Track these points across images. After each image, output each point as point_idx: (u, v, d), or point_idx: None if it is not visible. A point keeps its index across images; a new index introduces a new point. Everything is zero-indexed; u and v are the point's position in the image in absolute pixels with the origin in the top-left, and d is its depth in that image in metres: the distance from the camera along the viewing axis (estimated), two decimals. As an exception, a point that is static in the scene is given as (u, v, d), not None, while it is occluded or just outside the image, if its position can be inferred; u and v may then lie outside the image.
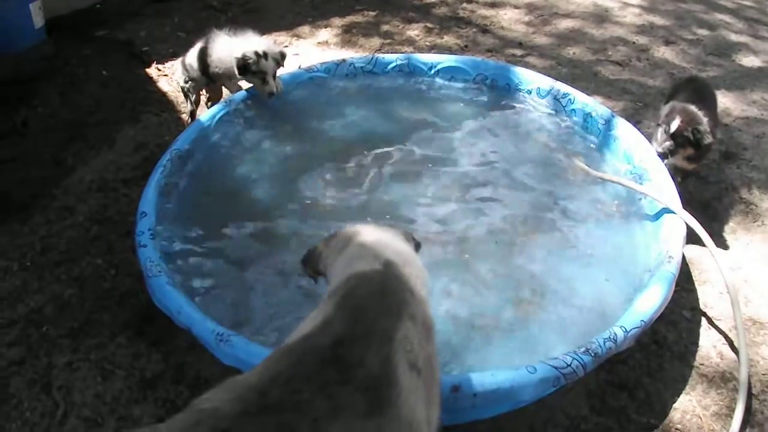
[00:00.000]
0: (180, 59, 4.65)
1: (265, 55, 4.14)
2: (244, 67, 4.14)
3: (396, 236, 2.30)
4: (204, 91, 4.81)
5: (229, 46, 4.26)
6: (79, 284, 3.45)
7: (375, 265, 2.01)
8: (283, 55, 4.32)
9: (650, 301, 2.79)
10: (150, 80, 5.36)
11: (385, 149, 4.24)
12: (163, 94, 5.15)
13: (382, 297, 1.88)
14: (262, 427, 1.46)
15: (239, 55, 4.11)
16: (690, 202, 4.03)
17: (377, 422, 1.58)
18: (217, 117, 4.16)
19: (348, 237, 2.26)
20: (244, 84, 4.44)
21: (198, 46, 4.46)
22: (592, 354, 2.52)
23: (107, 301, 3.36)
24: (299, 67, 4.93)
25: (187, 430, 1.45)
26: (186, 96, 4.70)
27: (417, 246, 2.43)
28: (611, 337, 2.59)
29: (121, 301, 3.35)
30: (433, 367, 1.88)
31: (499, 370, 2.45)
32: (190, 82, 4.58)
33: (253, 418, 1.47)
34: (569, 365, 2.46)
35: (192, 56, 4.46)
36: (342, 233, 2.33)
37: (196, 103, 4.72)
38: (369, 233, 2.25)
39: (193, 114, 4.72)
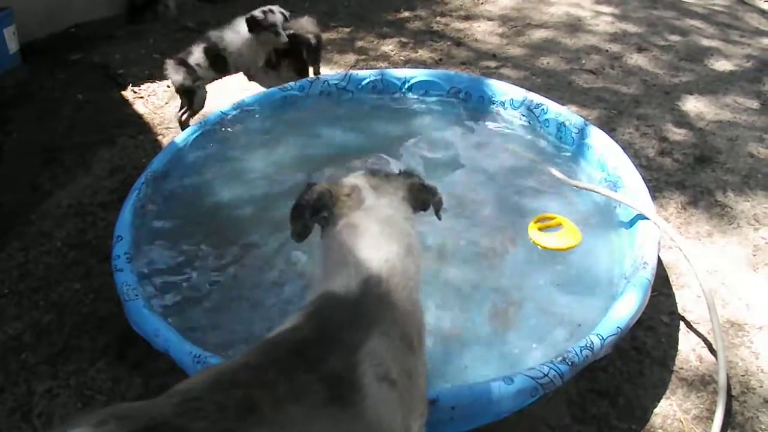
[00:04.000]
0: (173, 66, 4.74)
1: (271, 10, 4.60)
2: (256, 24, 4.59)
3: (392, 203, 2.20)
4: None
5: (239, 32, 4.69)
6: (58, 310, 3.43)
7: (351, 284, 1.93)
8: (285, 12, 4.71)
9: (626, 308, 2.79)
10: (126, 103, 5.36)
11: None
12: (139, 117, 5.14)
13: (351, 309, 1.87)
14: (229, 397, 1.51)
15: (248, 16, 4.58)
16: (666, 207, 4.08)
17: (338, 413, 1.62)
18: (192, 137, 4.16)
19: (352, 209, 2.15)
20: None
21: (199, 46, 4.74)
22: (569, 363, 2.52)
23: (86, 326, 3.34)
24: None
25: (161, 401, 1.51)
26: (189, 98, 4.82)
27: (426, 199, 2.34)
28: (588, 345, 2.60)
29: (100, 325, 3.33)
30: (413, 379, 1.88)
31: (476, 383, 2.45)
32: (198, 81, 4.76)
33: (222, 391, 1.54)
34: (546, 375, 2.46)
35: (197, 56, 4.71)
36: (354, 192, 2.20)
37: (200, 106, 4.87)
38: (373, 214, 2.14)
39: (187, 119, 4.85)
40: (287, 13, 4.73)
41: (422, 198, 2.33)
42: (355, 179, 2.28)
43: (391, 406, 1.74)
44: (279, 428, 1.53)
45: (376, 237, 2.07)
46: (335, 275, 1.99)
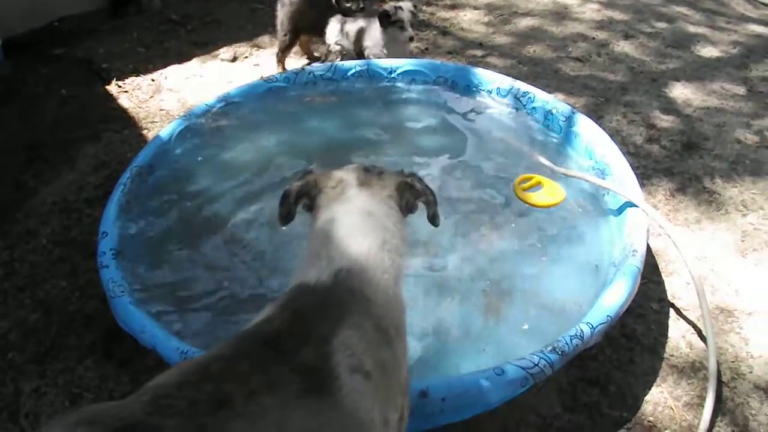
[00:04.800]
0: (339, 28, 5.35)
1: (401, 7, 4.96)
2: (386, 18, 4.99)
3: (378, 199, 2.18)
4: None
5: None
6: (44, 308, 3.40)
7: (322, 276, 1.94)
8: (416, 7, 5.18)
9: (616, 296, 2.79)
10: (110, 97, 5.30)
11: (348, 155, 4.22)
12: (124, 111, 5.09)
13: (323, 303, 1.87)
14: (199, 392, 1.50)
15: (380, 11, 5.04)
16: (654, 194, 4.08)
17: (313, 404, 1.60)
18: (177, 131, 4.12)
19: (333, 199, 2.16)
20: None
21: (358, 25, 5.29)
22: (559, 352, 2.52)
23: (73, 324, 3.30)
24: (261, 78, 4.90)
25: (133, 400, 1.48)
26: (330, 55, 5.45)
27: (413, 199, 2.29)
28: (578, 334, 2.60)
29: (87, 323, 3.30)
30: (389, 371, 1.86)
31: (466, 374, 2.45)
32: (339, 46, 5.37)
33: (192, 385, 1.52)
34: (537, 365, 2.46)
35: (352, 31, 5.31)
36: (335, 185, 2.21)
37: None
38: (351, 207, 2.13)
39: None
40: (415, 10, 5.10)
41: (409, 198, 2.27)
42: (345, 173, 2.26)
43: (366, 397, 1.72)
44: (253, 420, 1.51)
45: (350, 230, 2.06)
46: (309, 267, 2.00)
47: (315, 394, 1.62)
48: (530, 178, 3.99)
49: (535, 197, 3.88)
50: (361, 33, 5.24)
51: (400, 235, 2.14)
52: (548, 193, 3.91)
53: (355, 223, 2.09)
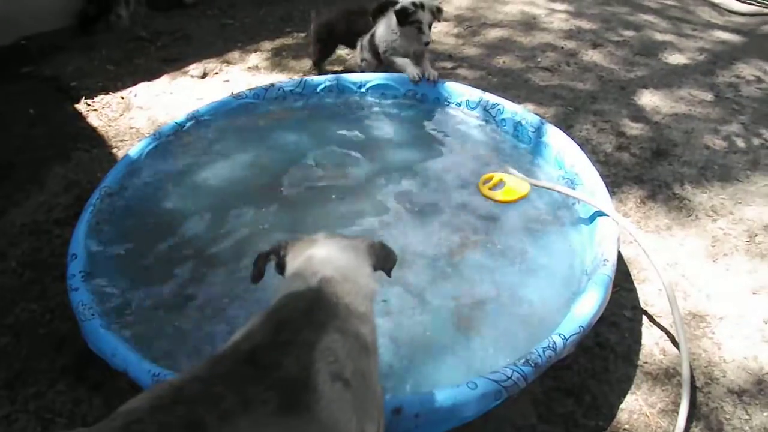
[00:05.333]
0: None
1: (422, 5, 4.65)
2: (404, 16, 4.70)
3: (348, 249, 2.27)
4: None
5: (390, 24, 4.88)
6: (14, 332, 3.34)
7: (310, 282, 2.04)
8: (439, 10, 4.79)
9: (587, 306, 2.81)
10: (79, 116, 5.25)
11: (319, 171, 4.24)
12: (94, 130, 5.04)
13: (308, 311, 1.91)
14: (172, 416, 1.51)
15: (398, 7, 4.70)
16: (625, 202, 4.11)
17: (289, 422, 1.62)
18: (146, 150, 4.11)
19: (306, 246, 2.27)
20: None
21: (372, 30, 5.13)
22: (532, 364, 2.53)
23: (44, 347, 3.25)
24: (232, 94, 4.88)
25: (104, 426, 1.49)
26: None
27: (385, 258, 2.37)
28: (550, 345, 2.61)
29: (58, 346, 3.25)
30: (367, 381, 1.90)
31: (439, 389, 2.45)
32: (364, 62, 5.25)
33: (164, 410, 1.52)
34: (510, 377, 2.46)
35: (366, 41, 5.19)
36: (305, 241, 2.32)
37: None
38: (321, 246, 2.25)
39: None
40: (440, 10, 4.83)
41: (382, 255, 2.35)
42: (314, 235, 2.36)
43: (345, 407, 1.75)
44: None
45: (329, 253, 2.20)
46: (294, 282, 2.08)
47: (292, 412, 1.62)
48: (491, 177, 4.11)
49: (500, 194, 4.00)
50: (372, 36, 5.13)
51: (369, 285, 2.21)
52: (511, 188, 4.03)
53: (331, 250, 2.22)
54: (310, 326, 1.85)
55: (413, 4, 4.66)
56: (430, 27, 4.77)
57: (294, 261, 2.22)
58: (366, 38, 5.21)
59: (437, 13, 4.76)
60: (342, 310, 1.96)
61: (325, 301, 1.97)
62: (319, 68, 5.75)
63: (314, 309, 1.93)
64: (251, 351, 1.75)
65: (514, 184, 4.05)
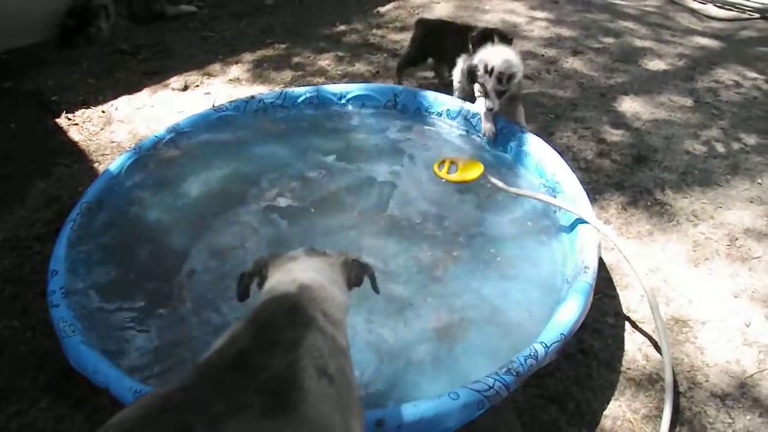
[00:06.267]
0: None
1: (491, 71, 4.24)
2: (471, 74, 4.45)
3: (324, 263, 2.34)
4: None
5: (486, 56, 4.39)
6: (-5, 349, 3.33)
7: (290, 287, 2.11)
8: (510, 78, 4.26)
9: (569, 314, 2.82)
10: (60, 130, 5.23)
11: (300, 182, 4.24)
12: (75, 144, 5.02)
13: (290, 312, 1.98)
14: (162, 425, 1.54)
15: (471, 62, 4.43)
16: (606, 208, 4.13)
17: (277, 423, 1.65)
18: (127, 165, 4.10)
19: (285, 261, 2.33)
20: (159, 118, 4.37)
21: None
22: (514, 373, 2.53)
23: (26, 364, 3.22)
24: (212, 106, 4.88)
25: None
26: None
27: (361, 273, 2.45)
28: (532, 354, 2.61)
29: (40, 363, 3.22)
30: (348, 379, 1.97)
31: (421, 400, 2.45)
32: (459, 84, 4.90)
33: (154, 419, 1.56)
34: (492, 387, 2.47)
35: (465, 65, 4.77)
36: (286, 256, 2.38)
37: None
38: (300, 260, 2.32)
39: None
40: (510, 77, 4.27)
41: (357, 272, 2.44)
42: (294, 252, 2.42)
43: (330, 402, 1.80)
44: None
45: (305, 265, 2.29)
46: (275, 289, 2.16)
47: (278, 413, 1.66)
48: (444, 161, 4.35)
49: (455, 176, 4.21)
50: (471, 63, 4.58)
51: (342, 297, 2.28)
52: (465, 170, 4.24)
53: (307, 264, 2.31)
54: (293, 326, 1.91)
55: (485, 66, 4.29)
56: (498, 95, 4.30)
57: (275, 274, 2.27)
58: (465, 62, 4.76)
59: (506, 82, 4.26)
60: (320, 314, 2.02)
61: (305, 303, 2.03)
62: (399, 74, 5.65)
63: (296, 310, 1.99)
64: (236, 355, 1.79)
65: (467, 166, 4.27)
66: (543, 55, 6.39)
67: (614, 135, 5.00)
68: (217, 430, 1.56)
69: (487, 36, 4.66)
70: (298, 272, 2.22)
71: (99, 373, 2.67)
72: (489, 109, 4.36)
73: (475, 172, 4.23)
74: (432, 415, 2.39)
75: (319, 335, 1.92)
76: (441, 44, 5.26)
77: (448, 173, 4.26)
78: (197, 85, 5.87)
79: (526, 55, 6.36)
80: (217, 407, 1.59)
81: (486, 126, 4.44)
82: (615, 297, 3.54)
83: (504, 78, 4.24)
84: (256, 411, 1.63)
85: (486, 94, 4.34)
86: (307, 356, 1.81)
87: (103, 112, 5.46)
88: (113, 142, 5.03)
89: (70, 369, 2.90)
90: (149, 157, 4.26)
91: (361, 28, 7.12)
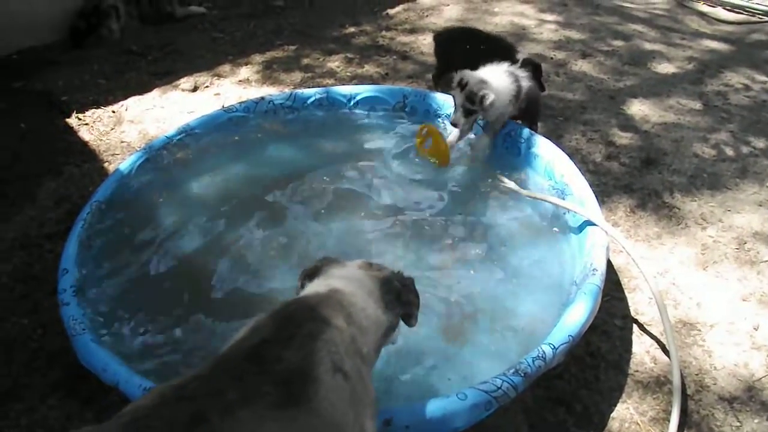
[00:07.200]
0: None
1: (463, 86, 4.11)
2: (448, 83, 4.34)
3: (367, 275, 2.38)
4: None
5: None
6: (6, 347, 3.33)
7: (321, 289, 2.19)
8: (482, 99, 4.05)
9: (577, 316, 2.82)
10: (70, 130, 5.25)
11: (310, 185, 4.25)
12: (85, 144, 5.05)
13: (312, 309, 2.03)
14: (177, 411, 1.59)
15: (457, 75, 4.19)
16: (614, 211, 4.13)
17: (290, 413, 1.69)
18: (137, 164, 4.11)
19: (334, 266, 2.41)
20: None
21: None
22: (522, 374, 2.53)
23: (36, 362, 3.25)
24: (222, 107, 4.89)
25: (111, 423, 1.57)
26: None
27: (398, 298, 2.41)
28: (540, 355, 2.62)
29: (50, 361, 3.24)
30: (364, 380, 1.98)
31: (430, 400, 2.45)
32: None
33: (169, 406, 1.61)
34: (500, 388, 2.47)
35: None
36: (337, 262, 2.46)
37: None
38: (346, 268, 2.40)
39: None
40: (482, 98, 4.07)
41: (395, 294, 2.40)
42: (349, 261, 2.50)
43: (344, 398, 1.82)
44: None
45: (346, 274, 2.35)
46: (308, 290, 2.25)
47: (291, 404, 1.70)
48: (423, 128, 4.43)
49: (427, 152, 4.41)
50: None
51: (375, 311, 2.28)
52: (435, 144, 4.36)
53: (349, 272, 2.37)
54: (313, 320, 1.95)
55: (460, 79, 4.15)
56: (466, 113, 4.17)
57: (319, 276, 2.37)
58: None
59: (478, 103, 4.08)
60: (343, 315, 2.05)
61: (329, 303, 2.08)
62: (435, 86, 5.49)
63: (318, 307, 2.04)
64: (254, 346, 1.83)
65: (437, 142, 4.34)
66: (552, 58, 6.39)
67: (623, 138, 5.00)
68: (230, 419, 1.59)
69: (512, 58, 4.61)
70: (336, 278, 2.29)
71: (108, 371, 2.69)
72: (452, 124, 4.27)
73: (440, 155, 4.35)
74: (440, 415, 2.39)
75: (337, 333, 1.95)
76: (465, 56, 5.02)
77: (423, 145, 4.40)
78: (207, 86, 5.89)
79: (534, 58, 6.34)
80: (230, 396, 1.63)
81: (452, 137, 4.40)
82: (623, 299, 3.54)
83: (475, 99, 4.08)
84: (269, 401, 1.66)
85: (455, 108, 4.25)
86: (323, 350, 1.84)
87: (114, 112, 5.49)
88: (123, 142, 5.05)
89: (79, 367, 2.92)
90: (160, 157, 4.27)
91: (371, 30, 7.13)
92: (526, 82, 4.35)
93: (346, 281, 2.27)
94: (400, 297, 2.40)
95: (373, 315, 2.23)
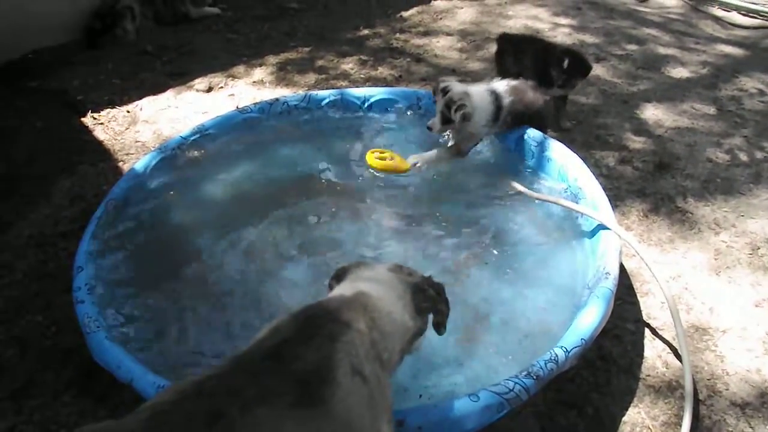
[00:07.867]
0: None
1: (443, 92, 4.18)
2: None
3: (398, 279, 2.40)
4: None
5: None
6: (20, 343, 3.36)
7: (347, 291, 2.20)
8: (459, 108, 4.10)
9: (590, 319, 2.82)
10: (86, 129, 5.29)
11: (324, 185, 4.27)
12: (100, 143, 5.08)
13: (334, 311, 2.04)
14: (196, 407, 1.62)
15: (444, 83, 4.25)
16: (627, 215, 4.12)
17: (306, 413, 1.71)
18: (152, 164, 4.13)
19: (364, 269, 2.44)
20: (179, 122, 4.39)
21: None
22: (534, 377, 2.54)
23: (50, 359, 3.27)
24: (237, 108, 4.91)
25: (131, 418, 1.61)
26: None
27: (429, 304, 2.43)
28: (552, 358, 2.62)
29: (64, 358, 3.27)
30: (382, 385, 1.99)
31: (442, 401, 2.46)
32: None
33: (188, 402, 1.64)
34: (512, 390, 2.47)
35: None
36: (367, 265, 2.49)
37: None
38: (376, 271, 2.43)
39: None
40: (449, 104, 4.13)
41: (418, 300, 2.41)
42: (380, 263, 2.54)
43: (360, 401, 1.84)
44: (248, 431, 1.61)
45: (376, 274, 2.38)
46: (335, 292, 2.27)
47: (308, 404, 1.72)
48: (383, 152, 4.41)
49: (382, 165, 4.33)
50: None
51: (402, 316, 2.30)
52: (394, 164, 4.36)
53: (378, 275, 2.38)
54: (335, 322, 1.96)
55: (444, 86, 4.23)
56: (443, 119, 4.21)
57: (347, 279, 2.39)
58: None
59: (454, 112, 4.12)
60: (366, 319, 2.06)
61: (353, 306, 2.09)
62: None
63: (341, 309, 2.05)
64: (275, 346, 1.86)
65: (399, 162, 4.35)
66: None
67: (636, 142, 5.00)
68: (248, 415, 1.61)
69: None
70: (364, 281, 2.30)
71: (122, 368, 2.70)
72: (428, 128, 4.32)
73: (401, 167, 4.34)
74: (452, 417, 2.40)
75: (357, 336, 1.96)
76: (520, 62, 5.14)
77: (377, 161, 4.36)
78: (221, 87, 5.92)
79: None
80: (249, 394, 1.66)
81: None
82: (635, 303, 3.54)
83: (452, 106, 4.12)
84: (287, 400, 1.69)
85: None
86: (342, 351, 1.86)
87: (128, 112, 5.53)
88: (138, 141, 5.08)
89: (93, 364, 2.93)
90: (174, 157, 4.29)
91: (384, 32, 7.15)
92: (508, 99, 4.32)
93: (374, 284, 2.28)
94: (433, 304, 2.41)
95: (400, 320, 2.24)
